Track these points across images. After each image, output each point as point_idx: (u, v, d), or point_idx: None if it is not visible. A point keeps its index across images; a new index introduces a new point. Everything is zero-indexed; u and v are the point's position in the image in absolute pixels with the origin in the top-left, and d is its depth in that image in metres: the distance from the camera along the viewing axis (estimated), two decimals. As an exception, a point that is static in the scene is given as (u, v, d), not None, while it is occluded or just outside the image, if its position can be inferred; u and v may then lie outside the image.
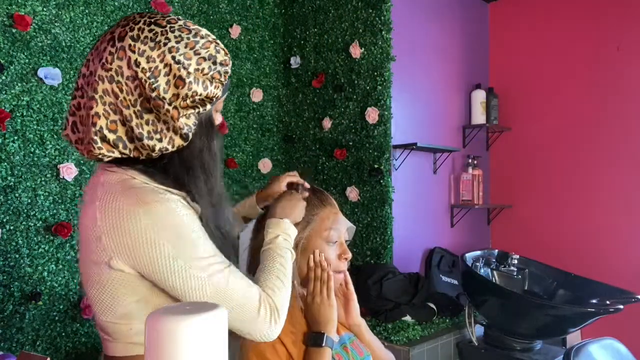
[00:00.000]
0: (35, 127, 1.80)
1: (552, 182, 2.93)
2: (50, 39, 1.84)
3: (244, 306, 0.84)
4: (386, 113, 2.33)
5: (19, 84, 1.76)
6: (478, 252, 2.25)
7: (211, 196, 0.90)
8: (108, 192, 0.82)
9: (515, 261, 2.22)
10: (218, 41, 0.87)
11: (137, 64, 0.79)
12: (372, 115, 2.35)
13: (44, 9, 1.83)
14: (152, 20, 0.83)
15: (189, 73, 0.81)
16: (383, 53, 2.33)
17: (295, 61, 2.67)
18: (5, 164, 1.72)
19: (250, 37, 2.59)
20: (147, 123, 0.81)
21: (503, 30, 3.16)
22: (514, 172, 3.08)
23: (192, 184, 0.87)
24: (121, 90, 0.80)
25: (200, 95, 0.82)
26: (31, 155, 1.78)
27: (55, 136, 1.84)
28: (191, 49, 0.82)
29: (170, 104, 0.80)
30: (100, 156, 0.82)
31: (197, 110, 0.83)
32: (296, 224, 1.08)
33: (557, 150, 2.91)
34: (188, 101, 0.81)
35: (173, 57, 0.80)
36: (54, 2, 1.85)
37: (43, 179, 1.81)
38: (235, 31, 2.50)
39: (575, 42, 2.86)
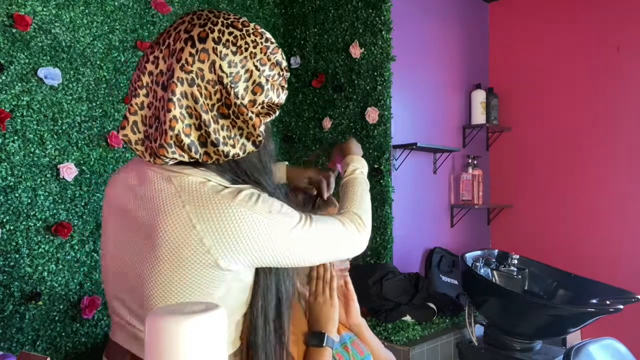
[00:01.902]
0: (35, 127, 1.80)
1: (552, 182, 2.93)
2: (50, 39, 1.84)
3: (334, 235, 0.91)
4: (386, 113, 2.33)
5: (19, 84, 1.76)
6: (478, 252, 2.25)
7: (271, 194, 0.90)
8: (196, 196, 0.78)
9: (515, 261, 2.22)
10: (279, 45, 0.87)
11: (221, 68, 0.77)
12: (372, 115, 2.35)
13: (44, 9, 1.83)
14: (229, 22, 0.81)
15: (266, 80, 0.81)
16: (383, 53, 2.33)
17: (295, 61, 2.67)
18: (5, 164, 1.72)
19: (250, 37, 2.59)
20: (222, 128, 0.79)
21: (503, 30, 3.16)
22: (514, 172, 3.08)
23: (257, 183, 0.88)
24: (201, 94, 0.77)
25: (274, 102, 0.83)
26: (31, 155, 1.78)
27: (55, 136, 1.84)
28: (264, 54, 0.81)
29: (252, 111, 0.80)
30: (167, 160, 0.79)
31: (270, 117, 0.83)
32: None
33: (557, 150, 2.92)
34: (265, 107, 0.81)
35: (253, 63, 0.79)
36: (54, 2, 1.85)
37: (43, 179, 1.81)
38: (235, 31, 2.50)
39: (575, 42, 2.86)
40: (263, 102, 0.81)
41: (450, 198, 2.90)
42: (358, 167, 1.14)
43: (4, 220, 1.72)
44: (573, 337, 2.48)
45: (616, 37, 2.71)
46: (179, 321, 0.63)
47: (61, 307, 1.84)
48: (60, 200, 1.84)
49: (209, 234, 0.76)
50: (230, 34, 0.79)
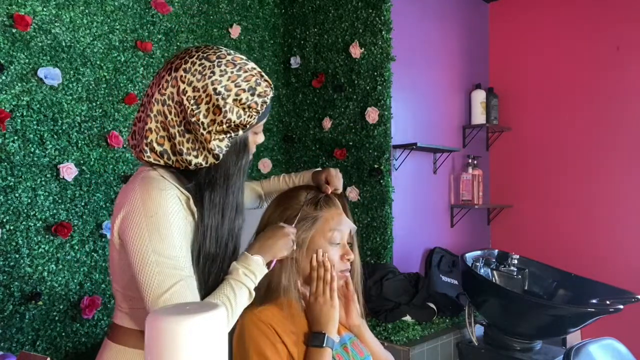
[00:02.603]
0: (35, 127, 1.80)
1: (552, 182, 2.93)
2: (50, 39, 1.84)
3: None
4: (386, 113, 2.33)
5: (19, 84, 1.76)
6: (478, 252, 2.25)
7: (223, 209, 1.00)
8: (130, 180, 0.98)
9: (515, 261, 2.22)
10: (262, 74, 0.99)
11: (185, 92, 0.93)
12: (372, 115, 2.35)
13: (44, 9, 1.83)
14: (205, 55, 0.95)
15: (226, 103, 0.93)
16: (383, 53, 2.33)
17: (295, 61, 2.67)
18: (5, 164, 1.72)
19: (250, 37, 2.59)
20: (187, 141, 0.95)
21: (503, 30, 3.16)
22: (514, 172, 3.08)
23: (207, 193, 0.98)
24: (170, 112, 0.95)
25: (234, 122, 0.94)
26: (31, 155, 1.78)
27: (55, 136, 1.84)
28: (232, 81, 0.94)
29: (205, 129, 0.93)
30: (149, 162, 0.98)
31: (229, 134, 0.95)
32: (301, 224, 1.10)
33: (557, 150, 2.91)
34: (223, 127, 0.94)
35: (214, 89, 0.92)
36: (54, 2, 1.85)
37: (43, 179, 1.81)
38: (235, 31, 2.50)
39: (575, 42, 2.86)
40: (222, 122, 0.93)
41: (450, 198, 2.90)
42: (241, 268, 1.00)
43: (4, 220, 1.72)
44: (573, 337, 2.48)
45: (616, 37, 2.71)
46: (179, 321, 0.63)
47: (61, 307, 1.84)
48: (60, 200, 1.84)
49: (119, 204, 0.96)
50: (200, 65, 0.93)
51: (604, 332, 1.86)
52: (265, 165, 2.64)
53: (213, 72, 0.93)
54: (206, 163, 0.96)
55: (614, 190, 2.72)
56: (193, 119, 0.93)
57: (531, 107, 3.02)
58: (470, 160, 2.87)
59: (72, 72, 1.90)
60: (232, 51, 0.98)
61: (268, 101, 1.00)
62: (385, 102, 2.33)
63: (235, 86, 0.94)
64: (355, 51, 2.41)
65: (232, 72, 0.94)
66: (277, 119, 2.73)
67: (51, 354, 1.79)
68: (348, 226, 1.16)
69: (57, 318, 1.82)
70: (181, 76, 0.93)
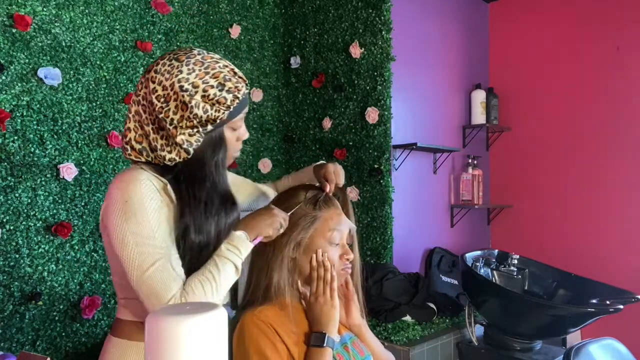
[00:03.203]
0: (35, 127, 1.80)
1: (552, 182, 2.93)
2: (50, 39, 1.84)
3: (158, 294, 0.92)
4: (386, 113, 2.33)
5: (19, 84, 1.76)
6: (478, 252, 2.25)
7: (205, 203, 1.02)
8: (118, 176, 1.02)
9: (515, 261, 2.22)
10: (235, 70, 1.02)
11: (154, 91, 0.98)
12: (372, 115, 2.35)
13: (44, 9, 1.83)
14: (175, 56, 1.00)
15: (192, 99, 0.96)
16: (383, 53, 2.33)
17: (295, 61, 2.67)
18: (5, 164, 1.72)
19: (250, 37, 2.59)
20: (161, 138, 1.00)
21: (503, 30, 3.16)
22: (514, 172, 3.08)
23: (184, 187, 1.01)
24: (144, 112, 1.01)
25: (201, 117, 0.97)
26: (31, 155, 1.78)
27: (55, 136, 1.84)
28: (200, 78, 0.97)
29: (171, 124, 0.98)
30: (133, 159, 1.04)
31: (197, 129, 0.99)
32: (297, 224, 1.10)
33: (557, 150, 2.91)
34: (193, 122, 0.97)
35: (181, 86, 0.96)
36: (54, 2, 1.85)
37: (43, 179, 1.81)
38: (235, 31, 2.50)
39: (575, 42, 2.86)
40: (190, 117, 0.97)
41: (450, 198, 2.90)
42: (225, 245, 1.01)
43: (4, 220, 1.72)
44: (573, 337, 2.48)
45: (616, 37, 2.71)
46: (179, 321, 0.63)
47: (61, 307, 1.84)
48: (60, 200, 1.84)
49: (107, 194, 1.02)
50: (170, 65, 0.98)
51: (604, 332, 1.86)
52: (265, 165, 2.64)
53: (180, 71, 0.97)
54: (180, 158, 1.00)
55: (614, 190, 2.72)
56: (161, 116, 0.97)
57: (531, 107, 3.01)
58: (470, 160, 2.87)
59: (72, 72, 1.90)
60: (206, 52, 1.02)
61: (240, 96, 1.01)
62: (385, 102, 2.33)
63: (203, 83, 0.97)
64: (355, 51, 2.41)
65: (199, 70, 0.98)
66: (277, 119, 2.73)
67: (51, 354, 1.79)
68: (347, 226, 1.16)
69: (57, 318, 1.82)
70: (152, 77, 0.98)
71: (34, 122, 1.79)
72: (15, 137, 1.75)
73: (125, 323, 1.03)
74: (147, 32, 2.14)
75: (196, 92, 0.97)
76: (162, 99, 0.97)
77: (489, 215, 3.15)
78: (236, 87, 1.00)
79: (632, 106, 2.67)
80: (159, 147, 1.00)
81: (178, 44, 2.25)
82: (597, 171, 2.78)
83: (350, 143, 2.46)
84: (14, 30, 1.75)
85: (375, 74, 2.35)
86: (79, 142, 1.91)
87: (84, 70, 1.93)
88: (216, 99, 0.98)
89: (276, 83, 2.72)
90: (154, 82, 0.98)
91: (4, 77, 1.73)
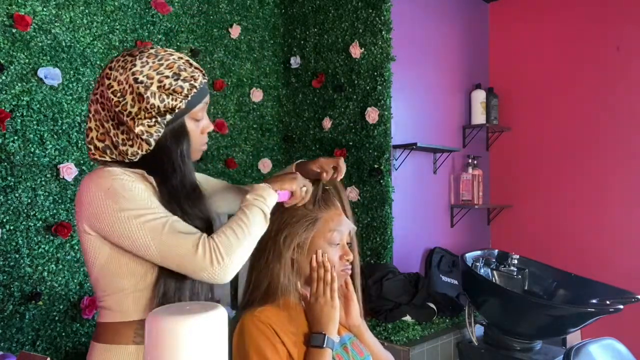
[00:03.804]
0: (35, 127, 1.80)
1: (552, 182, 2.93)
2: (50, 39, 1.84)
3: (181, 245, 0.93)
4: (386, 113, 2.33)
5: (19, 84, 1.76)
6: (478, 252, 2.25)
7: (183, 189, 1.02)
8: (85, 178, 1.01)
9: (515, 261, 2.22)
10: (191, 61, 1.03)
11: (110, 87, 0.98)
12: (372, 115, 2.35)
13: (44, 9, 1.83)
14: (128, 52, 1.01)
15: (147, 89, 0.96)
16: (383, 53, 2.33)
17: (295, 61, 2.67)
18: (5, 164, 1.72)
19: (250, 37, 2.59)
20: (121, 133, 1.00)
21: (503, 30, 3.16)
22: (514, 172, 3.08)
23: (157, 180, 1.01)
24: (103, 109, 1.00)
25: (158, 107, 0.97)
26: (31, 155, 1.78)
27: (55, 136, 1.84)
28: (154, 70, 0.98)
29: (129, 116, 0.97)
30: (98, 159, 1.03)
31: (155, 120, 0.98)
32: (298, 225, 1.10)
33: (557, 150, 2.91)
34: (151, 112, 0.97)
35: (135, 79, 0.96)
36: (54, 2, 1.85)
37: (43, 179, 1.81)
38: (235, 31, 2.50)
39: (575, 42, 2.86)
40: (147, 108, 0.97)
41: (450, 198, 2.90)
42: (251, 195, 1.03)
43: (4, 220, 1.72)
44: (573, 337, 2.48)
45: (616, 37, 2.71)
46: (179, 321, 0.63)
47: (61, 307, 1.84)
48: (60, 200, 1.84)
49: (76, 201, 1.01)
50: (124, 60, 0.99)
51: (604, 332, 1.86)
52: (265, 165, 2.64)
53: (134, 65, 0.97)
54: (142, 150, 0.99)
55: (614, 190, 2.72)
56: (118, 109, 0.97)
57: (531, 107, 3.01)
58: (470, 160, 2.87)
59: (72, 72, 1.90)
60: (160, 48, 1.03)
61: (198, 86, 1.01)
62: (385, 102, 2.33)
63: (157, 74, 0.98)
64: (355, 51, 2.41)
65: (153, 62, 0.98)
66: (277, 119, 2.73)
67: (51, 354, 1.79)
68: (347, 227, 1.16)
69: (57, 318, 1.82)
70: (107, 74, 0.99)
71: (34, 122, 1.79)
72: (15, 137, 1.75)
73: (106, 326, 1.01)
74: (147, 32, 2.14)
75: (151, 84, 0.97)
76: (118, 94, 0.97)
77: (489, 215, 3.15)
78: (192, 76, 1.01)
79: (632, 106, 2.66)
80: (120, 142, 1.00)
81: (178, 44, 2.25)
82: (597, 171, 2.77)
83: (350, 143, 2.46)
84: (14, 30, 1.75)
85: (375, 74, 2.35)
86: (79, 142, 1.91)
87: (84, 70, 1.93)
88: (172, 88, 0.98)
89: (276, 83, 2.72)
90: (108, 79, 0.98)
91: (4, 77, 1.73)
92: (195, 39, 2.33)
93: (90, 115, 1.03)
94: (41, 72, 1.80)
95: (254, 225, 0.99)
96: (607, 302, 1.91)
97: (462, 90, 3.01)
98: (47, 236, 1.81)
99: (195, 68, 1.03)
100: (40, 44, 1.82)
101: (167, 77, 0.98)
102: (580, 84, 2.84)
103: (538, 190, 2.98)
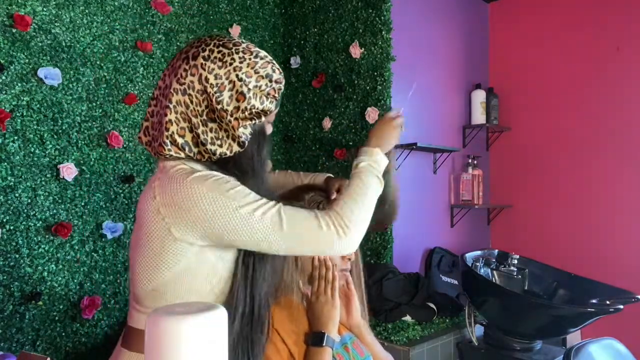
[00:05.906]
0: (35, 127, 1.80)
1: (552, 182, 2.92)
2: (50, 39, 1.84)
3: (304, 226, 0.90)
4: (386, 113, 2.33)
5: (19, 84, 1.76)
6: (478, 252, 2.25)
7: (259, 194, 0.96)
8: (166, 175, 0.92)
9: (515, 261, 2.22)
10: (274, 62, 0.99)
11: (207, 80, 0.91)
12: (372, 115, 2.35)
13: (44, 9, 1.83)
14: (221, 42, 0.95)
15: (249, 89, 0.93)
16: (383, 53, 2.33)
17: (295, 61, 2.67)
18: (5, 164, 1.72)
19: (250, 37, 2.59)
20: (210, 130, 0.93)
21: (503, 30, 3.16)
22: (514, 172, 3.08)
23: (240, 180, 0.94)
24: (191, 102, 0.92)
25: (257, 108, 0.94)
26: (31, 155, 1.78)
27: (55, 136, 1.84)
28: (252, 68, 0.94)
29: (231, 115, 0.92)
30: (168, 156, 0.94)
31: (253, 121, 0.95)
32: None
33: (557, 150, 2.91)
34: (247, 113, 0.93)
35: (237, 75, 0.92)
36: (54, 2, 1.85)
37: (43, 179, 1.81)
38: (235, 31, 2.50)
39: (575, 42, 2.86)
40: (246, 109, 0.93)
41: (450, 198, 2.90)
42: (364, 161, 1.05)
43: (4, 220, 1.72)
44: (573, 337, 2.48)
45: (616, 37, 2.71)
46: (179, 321, 0.63)
47: (61, 307, 1.84)
48: (60, 200, 1.84)
49: (163, 204, 0.89)
50: (219, 52, 0.93)
51: (604, 332, 1.86)
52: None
53: (233, 59, 0.92)
54: (230, 152, 0.94)
55: (614, 190, 2.72)
56: (219, 106, 0.91)
57: (531, 107, 3.01)
58: (470, 160, 2.87)
59: (72, 72, 1.90)
60: (248, 42, 0.99)
61: (282, 88, 1.00)
62: (385, 102, 2.33)
63: (255, 73, 0.94)
64: (355, 51, 2.41)
65: (249, 59, 0.94)
66: (277, 119, 2.71)
67: (51, 354, 1.79)
68: None
69: (57, 318, 1.82)
70: (201, 64, 0.92)
71: (34, 122, 1.79)
72: (15, 137, 1.75)
73: (142, 333, 0.91)
74: (147, 32, 2.14)
75: (250, 82, 0.93)
76: (215, 88, 0.91)
77: (489, 215, 3.15)
78: (279, 78, 0.99)
79: (632, 106, 2.66)
80: (208, 140, 0.92)
81: (178, 44, 2.25)
82: (597, 171, 2.77)
83: (350, 143, 2.45)
84: (14, 30, 1.75)
85: (375, 74, 2.35)
86: (79, 142, 1.91)
87: (84, 70, 1.93)
88: (267, 90, 0.96)
89: (276, 83, 2.72)
90: (204, 70, 0.91)
91: (4, 77, 1.73)
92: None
93: (171, 106, 0.92)
94: (41, 72, 1.80)
95: (370, 191, 0.99)
96: (607, 302, 1.91)
97: (462, 90, 3.01)
98: (47, 236, 1.81)
99: (278, 69, 0.99)
100: (40, 44, 1.82)
101: (262, 77, 0.95)
102: (580, 84, 2.84)
103: (538, 190, 2.98)
